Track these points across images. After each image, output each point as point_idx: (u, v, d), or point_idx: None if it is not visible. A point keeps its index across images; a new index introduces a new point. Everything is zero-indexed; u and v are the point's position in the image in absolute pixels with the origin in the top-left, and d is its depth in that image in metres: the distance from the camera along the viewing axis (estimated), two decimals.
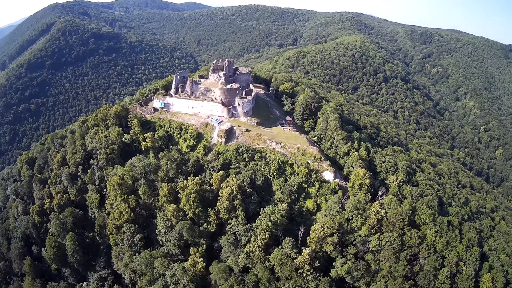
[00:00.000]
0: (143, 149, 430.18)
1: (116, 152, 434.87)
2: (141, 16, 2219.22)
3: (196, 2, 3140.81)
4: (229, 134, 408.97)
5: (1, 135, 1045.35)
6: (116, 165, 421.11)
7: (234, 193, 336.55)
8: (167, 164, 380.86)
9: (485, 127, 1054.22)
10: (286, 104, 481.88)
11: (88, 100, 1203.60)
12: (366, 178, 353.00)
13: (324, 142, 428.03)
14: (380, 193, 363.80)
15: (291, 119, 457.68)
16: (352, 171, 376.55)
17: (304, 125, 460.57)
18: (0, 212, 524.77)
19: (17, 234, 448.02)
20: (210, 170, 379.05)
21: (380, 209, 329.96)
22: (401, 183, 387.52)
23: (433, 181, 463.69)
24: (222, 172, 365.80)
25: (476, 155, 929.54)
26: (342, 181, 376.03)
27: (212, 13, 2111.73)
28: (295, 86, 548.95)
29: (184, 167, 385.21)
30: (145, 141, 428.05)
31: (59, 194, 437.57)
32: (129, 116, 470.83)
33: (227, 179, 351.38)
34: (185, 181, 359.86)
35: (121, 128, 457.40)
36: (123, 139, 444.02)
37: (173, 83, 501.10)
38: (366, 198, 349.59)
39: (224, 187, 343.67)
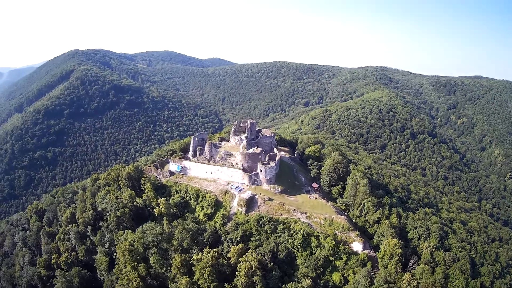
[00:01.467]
0: (156, 215, 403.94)
1: (127, 215, 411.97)
2: (165, 70, 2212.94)
3: (221, 58, 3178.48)
4: (250, 203, 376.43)
5: (15, 178, 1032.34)
6: (127, 230, 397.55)
7: (253, 269, 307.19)
8: (181, 234, 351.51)
9: (511, 174, 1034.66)
10: (313, 169, 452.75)
11: (108, 154, 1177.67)
12: (397, 248, 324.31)
13: (353, 210, 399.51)
14: (411, 262, 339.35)
15: (317, 185, 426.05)
16: (382, 241, 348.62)
17: (332, 191, 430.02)
18: (7, 257, 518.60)
19: (22, 283, 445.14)
20: (228, 242, 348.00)
21: (411, 280, 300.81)
22: (433, 250, 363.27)
23: (465, 241, 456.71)
24: (241, 245, 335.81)
25: (502, 204, 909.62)
26: (371, 251, 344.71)
27: (236, 70, 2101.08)
28: (322, 149, 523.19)
29: (200, 237, 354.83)
30: (159, 207, 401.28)
31: (66, 252, 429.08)
32: (143, 178, 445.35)
33: (247, 253, 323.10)
34: (200, 253, 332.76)
35: (133, 191, 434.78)
36: (135, 202, 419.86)
37: (191, 145, 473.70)
38: (397, 269, 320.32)
39: (242, 262, 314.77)
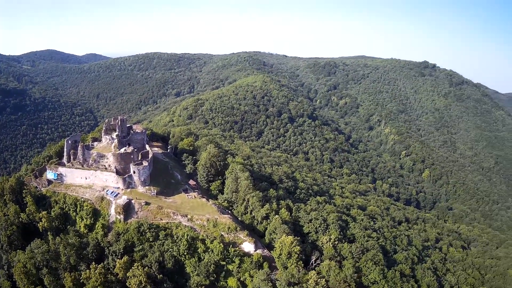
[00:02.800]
0: (40, 230, 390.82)
1: (16, 233, 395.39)
2: (46, 70, 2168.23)
3: (97, 53, 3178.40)
4: (127, 209, 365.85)
5: None
6: (18, 250, 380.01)
7: (143, 284, 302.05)
8: (66, 250, 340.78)
9: (406, 152, 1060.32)
10: (188, 164, 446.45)
11: None
12: (295, 245, 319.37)
13: (237, 207, 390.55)
14: (313, 258, 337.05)
15: (194, 182, 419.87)
16: (275, 238, 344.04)
17: (211, 187, 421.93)
18: None
19: None
20: (112, 255, 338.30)
21: (319, 279, 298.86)
22: (336, 242, 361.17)
23: (369, 228, 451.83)
24: (125, 258, 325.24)
25: (401, 182, 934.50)
26: (265, 251, 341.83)
27: (110, 64, 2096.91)
28: (196, 141, 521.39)
29: (84, 252, 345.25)
30: (41, 221, 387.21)
31: None
32: (24, 190, 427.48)
33: (133, 267, 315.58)
34: (88, 271, 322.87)
35: (17, 206, 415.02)
36: (20, 218, 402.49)
37: (65, 149, 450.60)
38: (298, 267, 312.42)
39: (131, 277, 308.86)
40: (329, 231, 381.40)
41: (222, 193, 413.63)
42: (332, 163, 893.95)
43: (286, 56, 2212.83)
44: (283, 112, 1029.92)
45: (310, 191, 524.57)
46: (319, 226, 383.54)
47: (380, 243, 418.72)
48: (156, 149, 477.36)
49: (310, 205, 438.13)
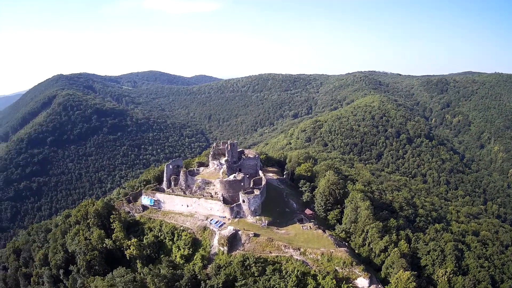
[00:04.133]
0: (128, 258, 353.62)
1: (97, 259, 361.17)
2: (150, 91, 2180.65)
3: (206, 75, 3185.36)
4: (233, 240, 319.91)
5: (2, 210, 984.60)
6: (97, 277, 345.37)
7: None
8: (154, 281, 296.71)
9: None
10: (305, 191, 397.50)
11: (93, 182, 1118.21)
12: (410, 282, 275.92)
13: (355, 238, 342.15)
14: None
15: (311, 212, 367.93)
16: (391, 272, 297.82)
17: (328, 216, 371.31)
18: None
19: None
20: None
21: None
22: (451, 276, 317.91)
23: (482, 257, 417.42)
24: None
25: (508, 202, 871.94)
26: (380, 286, 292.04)
27: (222, 85, 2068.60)
28: (314, 165, 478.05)
29: (176, 284, 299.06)
30: (130, 248, 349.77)
31: None
32: (112, 216, 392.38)
33: None
34: None
35: (102, 231, 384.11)
36: (104, 244, 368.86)
37: (165, 174, 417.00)
38: None
39: None
40: (445, 263, 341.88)
41: (340, 223, 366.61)
42: (448, 185, 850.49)
43: (400, 74, 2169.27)
44: (402, 133, 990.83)
45: (429, 218, 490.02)
46: (436, 258, 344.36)
47: (490, 273, 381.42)
48: (271, 174, 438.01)
49: (429, 234, 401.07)
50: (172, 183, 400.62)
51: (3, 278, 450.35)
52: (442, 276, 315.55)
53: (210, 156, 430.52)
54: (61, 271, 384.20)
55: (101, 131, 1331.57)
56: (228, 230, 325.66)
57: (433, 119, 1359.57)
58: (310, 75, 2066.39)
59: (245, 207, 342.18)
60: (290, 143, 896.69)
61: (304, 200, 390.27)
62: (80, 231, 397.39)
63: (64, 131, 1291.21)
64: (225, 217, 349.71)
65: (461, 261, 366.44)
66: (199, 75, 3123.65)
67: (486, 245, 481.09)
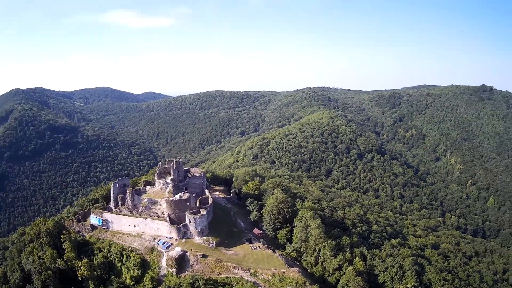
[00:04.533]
0: (79, 278, 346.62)
1: (51, 279, 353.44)
2: (100, 107, 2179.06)
3: (155, 91, 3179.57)
4: (181, 262, 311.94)
5: None
6: None
7: None
8: None
9: (472, 180, 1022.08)
10: (253, 210, 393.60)
11: (46, 199, 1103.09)
12: None
13: (307, 257, 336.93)
14: None
15: (260, 231, 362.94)
16: None
17: (278, 235, 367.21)
18: None
19: None
20: None
21: None
22: None
23: (444, 270, 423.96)
24: None
25: (468, 213, 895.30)
26: None
27: (170, 103, 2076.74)
28: (262, 183, 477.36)
29: None
30: (81, 269, 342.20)
31: None
32: (62, 235, 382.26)
33: None
34: None
35: (54, 250, 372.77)
36: (56, 264, 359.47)
37: (112, 193, 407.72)
38: None
39: None
40: (405, 279, 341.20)
41: (290, 242, 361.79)
42: (403, 199, 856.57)
43: (350, 90, 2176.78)
44: (352, 148, 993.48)
45: (384, 233, 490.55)
46: (395, 275, 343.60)
47: (455, 285, 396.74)
48: (217, 193, 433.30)
49: (385, 250, 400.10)
50: (119, 202, 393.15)
51: None
52: None
53: (156, 175, 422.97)
54: None
55: (53, 148, 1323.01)
56: (176, 251, 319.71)
57: (385, 133, 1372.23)
58: (258, 91, 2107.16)
59: (191, 227, 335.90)
60: (237, 161, 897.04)
61: (252, 219, 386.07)
62: (34, 250, 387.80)
63: (19, 146, 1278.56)
64: (172, 237, 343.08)
65: (422, 276, 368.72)
66: (148, 92, 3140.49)
67: (447, 258, 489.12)
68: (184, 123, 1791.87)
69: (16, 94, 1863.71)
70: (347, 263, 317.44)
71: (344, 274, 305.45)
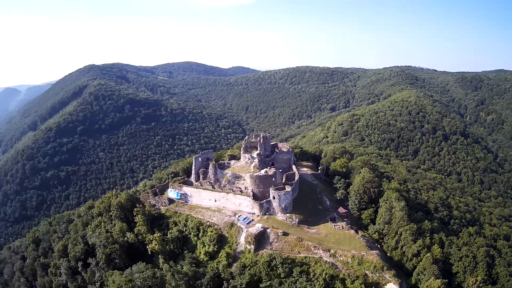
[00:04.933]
0: (149, 253, 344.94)
1: (118, 252, 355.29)
2: (185, 81, 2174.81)
3: (244, 66, 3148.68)
4: (261, 239, 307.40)
5: (27, 199, 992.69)
6: (115, 271, 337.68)
7: None
8: (174, 279, 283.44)
9: None
10: (339, 188, 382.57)
11: (124, 172, 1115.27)
12: None
13: (388, 240, 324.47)
14: None
15: (344, 211, 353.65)
16: (422, 279, 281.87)
17: (362, 216, 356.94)
18: (7, 286, 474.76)
19: None
20: None
21: None
22: (481, 285, 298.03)
23: None
24: None
25: None
26: None
27: (259, 77, 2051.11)
28: (351, 160, 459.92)
29: (198, 282, 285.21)
30: (152, 243, 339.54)
31: None
32: (135, 209, 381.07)
33: None
34: None
35: (125, 224, 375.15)
36: (125, 238, 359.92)
37: (193, 167, 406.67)
38: None
39: None
40: (476, 271, 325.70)
41: (374, 223, 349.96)
42: (482, 185, 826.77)
43: (435, 70, 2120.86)
44: (438, 129, 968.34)
45: (463, 220, 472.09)
46: (468, 265, 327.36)
47: None
48: (305, 169, 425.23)
49: (462, 238, 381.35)
50: (201, 176, 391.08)
51: (20, 268, 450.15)
52: (472, 285, 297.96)
53: (241, 149, 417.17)
54: (79, 263, 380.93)
55: (134, 121, 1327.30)
56: (256, 228, 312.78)
57: (468, 116, 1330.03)
58: (348, 68, 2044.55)
59: (275, 204, 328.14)
60: (327, 137, 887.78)
61: (338, 198, 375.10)
62: (102, 223, 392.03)
63: (95, 120, 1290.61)
64: (254, 213, 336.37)
65: (492, 269, 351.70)
66: (236, 66, 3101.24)
67: None
68: (273, 98, 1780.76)
69: (91, 69, 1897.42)
70: (426, 249, 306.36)
71: (421, 261, 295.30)
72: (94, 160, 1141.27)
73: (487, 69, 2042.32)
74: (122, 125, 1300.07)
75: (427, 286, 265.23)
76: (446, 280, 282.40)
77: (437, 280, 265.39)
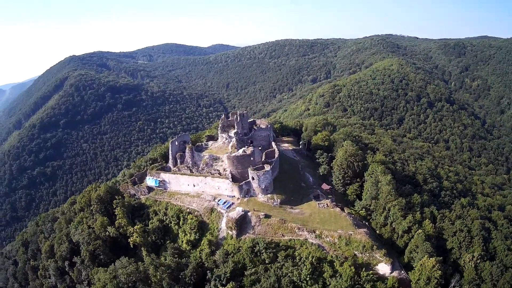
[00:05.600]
0: (131, 246, 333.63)
1: (101, 248, 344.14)
2: (165, 63, 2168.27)
3: (222, 43, 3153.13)
4: (242, 223, 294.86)
5: (16, 200, 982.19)
6: (100, 268, 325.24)
7: None
8: (157, 272, 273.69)
9: None
10: (322, 163, 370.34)
11: (108, 161, 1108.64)
12: (435, 270, 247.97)
13: (376, 216, 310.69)
14: (452, 283, 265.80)
15: (328, 187, 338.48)
16: (415, 257, 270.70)
17: (347, 191, 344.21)
18: None
19: None
20: (215, 280, 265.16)
21: None
22: (478, 261, 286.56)
23: (509, 237, 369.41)
24: (230, 286, 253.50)
25: None
26: (402, 272, 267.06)
27: (239, 53, 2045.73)
28: (332, 133, 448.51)
29: (181, 274, 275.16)
30: (133, 236, 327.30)
31: None
32: (114, 201, 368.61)
33: None
34: None
35: (106, 218, 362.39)
36: (107, 232, 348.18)
37: (170, 152, 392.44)
38: None
39: None
40: (472, 246, 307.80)
41: (360, 199, 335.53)
42: (471, 152, 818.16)
43: (417, 38, 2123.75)
44: (422, 96, 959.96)
45: (454, 191, 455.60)
46: (463, 240, 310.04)
47: None
48: (286, 145, 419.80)
49: (454, 211, 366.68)
50: (178, 161, 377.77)
51: (13, 274, 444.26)
52: (469, 262, 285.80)
53: (219, 129, 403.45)
54: (66, 263, 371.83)
55: (115, 108, 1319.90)
56: (237, 212, 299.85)
57: (453, 82, 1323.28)
58: (327, 39, 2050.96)
59: (255, 184, 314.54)
60: (309, 109, 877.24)
61: (321, 174, 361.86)
62: (84, 219, 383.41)
63: (77, 112, 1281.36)
64: (234, 196, 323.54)
65: (489, 243, 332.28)
66: (216, 44, 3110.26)
67: None
68: (254, 73, 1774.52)
69: (71, 61, 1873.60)
70: (417, 225, 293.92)
71: (413, 237, 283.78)
72: (78, 152, 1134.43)
73: (470, 36, 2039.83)
74: (103, 113, 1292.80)
75: (421, 265, 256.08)
76: (441, 257, 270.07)
77: (431, 258, 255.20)
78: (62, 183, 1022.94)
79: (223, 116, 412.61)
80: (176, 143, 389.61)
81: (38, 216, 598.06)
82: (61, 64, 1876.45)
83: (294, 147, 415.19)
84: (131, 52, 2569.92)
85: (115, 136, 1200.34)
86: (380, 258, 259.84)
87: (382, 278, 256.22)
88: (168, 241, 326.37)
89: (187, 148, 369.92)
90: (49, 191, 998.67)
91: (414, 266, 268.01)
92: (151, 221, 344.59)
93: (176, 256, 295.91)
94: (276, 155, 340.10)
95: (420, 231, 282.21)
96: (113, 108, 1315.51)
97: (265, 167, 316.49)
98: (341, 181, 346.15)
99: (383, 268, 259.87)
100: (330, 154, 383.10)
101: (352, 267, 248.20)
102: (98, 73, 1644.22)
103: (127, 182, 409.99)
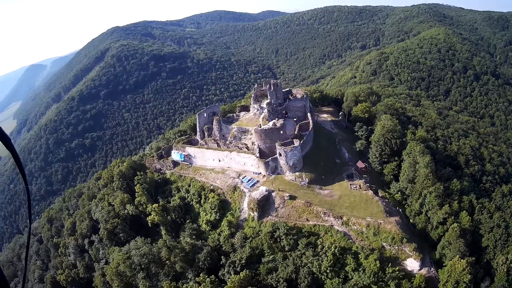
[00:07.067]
0: (149, 225, 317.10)
1: (120, 227, 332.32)
2: (214, 30, 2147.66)
3: (273, 10, 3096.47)
4: (265, 204, 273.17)
5: (52, 174, 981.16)
6: (115, 248, 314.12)
7: None
8: (170, 255, 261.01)
9: None
10: (361, 137, 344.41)
11: (151, 130, 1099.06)
12: (465, 274, 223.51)
13: (412, 202, 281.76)
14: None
15: (364, 165, 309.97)
16: (447, 254, 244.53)
17: (384, 171, 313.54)
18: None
19: None
20: (230, 266, 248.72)
21: None
22: (511, 266, 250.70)
23: None
24: (244, 273, 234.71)
25: None
26: (432, 269, 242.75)
27: (288, 19, 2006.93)
28: (377, 102, 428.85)
29: (196, 257, 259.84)
30: (151, 215, 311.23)
31: (67, 269, 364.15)
32: (136, 177, 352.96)
33: None
34: (195, 284, 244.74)
35: (127, 194, 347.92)
36: (126, 210, 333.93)
37: (197, 124, 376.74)
38: None
39: None
40: (508, 246, 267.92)
41: (397, 180, 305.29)
42: None
43: (462, 8, 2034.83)
44: (468, 68, 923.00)
45: (496, 176, 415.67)
46: (499, 239, 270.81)
47: None
48: (325, 115, 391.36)
49: (495, 200, 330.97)
50: (206, 133, 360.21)
51: (36, 251, 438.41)
52: (502, 265, 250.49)
53: (251, 99, 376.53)
54: (86, 241, 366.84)
55: (159, 77, 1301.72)
56: (260, 192, 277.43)
57: (498, 56, 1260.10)
58: (376, 6, 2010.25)
59: (282, 161, 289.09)
60: (355, 77, 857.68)
61: (358, 149, 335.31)
62: (106, 196, 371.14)
63: (119, 82, 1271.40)
64: (260, 173, 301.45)
65: None
66: (266, 10, 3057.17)
67: None
68: (303, 39, 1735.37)
69: (114, 32, 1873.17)
70: (453, 216, 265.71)
71: (447, 231, 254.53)
72: (120, 122, 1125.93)
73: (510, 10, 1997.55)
74: (147, 82, 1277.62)
75: (451, 265, 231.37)
76: (473, 258, 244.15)
77: (462, 260, 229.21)
78: (102, 153, 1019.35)
79: (255, 85, 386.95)
80: (205, 115, 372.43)
81: (65, 191, 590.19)
82: (104, 36, 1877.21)
83: (333, 118, 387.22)
84: (179, 20, 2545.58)
85: (159, 104, 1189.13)
86: (410, 253, 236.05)
87: (409, 275, 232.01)
88: (188, 221, 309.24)
89: (214, 120, 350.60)
90: (87, 162, 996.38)
91: (444, 264, 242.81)
92: (172, 198, 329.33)
93: (194, 237, 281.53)
94: (310, 128, 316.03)
95: (455, 225, 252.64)
96: (157, 77, 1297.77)
97: (294, 142, 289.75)
98: (378, 158, 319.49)
99: (412, 264, 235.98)
100: (370, 127, 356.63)
101: (378, 262, 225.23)
102: (142, 42, 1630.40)
103: (153, 156, 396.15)
